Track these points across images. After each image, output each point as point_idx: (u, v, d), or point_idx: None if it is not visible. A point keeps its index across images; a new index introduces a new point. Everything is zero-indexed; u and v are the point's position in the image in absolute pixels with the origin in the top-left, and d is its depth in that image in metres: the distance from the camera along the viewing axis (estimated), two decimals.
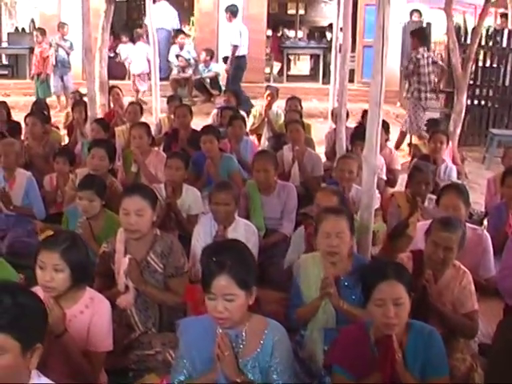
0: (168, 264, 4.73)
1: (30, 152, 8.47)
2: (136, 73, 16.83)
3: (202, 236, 5.69)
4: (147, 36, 13.26)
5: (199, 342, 3.59)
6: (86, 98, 9.83)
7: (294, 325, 4.62)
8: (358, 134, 8.11)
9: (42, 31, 16.12)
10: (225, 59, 16.17)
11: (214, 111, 11.29)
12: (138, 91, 16.67)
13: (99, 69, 11.78)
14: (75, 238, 3.90)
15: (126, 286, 4.67)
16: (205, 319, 3.58)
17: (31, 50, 16.92)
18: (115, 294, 4.70)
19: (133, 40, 17.69)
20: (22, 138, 9.84)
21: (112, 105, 11.52)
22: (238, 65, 15.44)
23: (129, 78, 17.85)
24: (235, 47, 15.28)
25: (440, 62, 12.96)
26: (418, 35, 12.45)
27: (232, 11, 15.47)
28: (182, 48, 16.75)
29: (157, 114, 11.56)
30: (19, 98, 16.57)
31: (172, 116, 10.01)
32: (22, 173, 7.07)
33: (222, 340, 3.45)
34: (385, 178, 8.36)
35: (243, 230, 5.64)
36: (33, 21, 21.03)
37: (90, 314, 3.87)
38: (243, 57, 15.51)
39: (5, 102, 10.68)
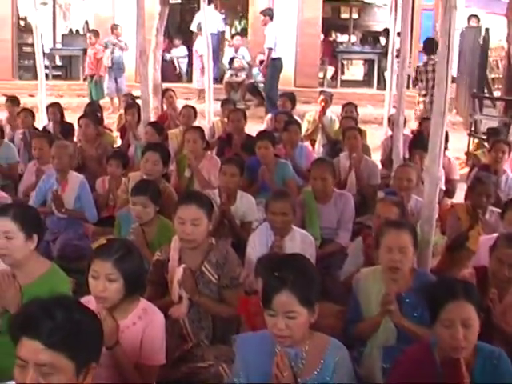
0: (223, 274, 4.59)
1: (83, 154, 8.42)
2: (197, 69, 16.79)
3: (258, 245, 5.53)
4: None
5: (256, 359, 3.43)
6: (138, 101, 9.80)
7: (352, 341, 4.43)
8: (417, 143, 7.91)
9: (96, 33, 16.17)
10: (261, 62, 16.03)
11: (269, 116, 11.14)
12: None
13: (153, 71, 11.76)
14: (129, 247, 3.77)
15: (180, 296, 4.53)
16: (263, 335, 3.42)
17: (84, 51, 16.99)
18: (168, 304, 4.57)
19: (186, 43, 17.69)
20: (75, 139, 9.83)
21: (165, 107, 11.44)
22: (273, 67, 15.32)
23: (181, 80, 17.89)
24: (270, 50, 15.17)
25: None
26: (425, 44, 12.83)
27: (268, 14, 15.47)
28: (236, 50, 16.67)
29: (210, 118, 11.45)
30: (72, 100, 16.64)
31: (226, 120, 9.90)
32: (75, 176, 7.00)
33: (281, 359, 3.28)
34: (443, 188, 8.12)
35: (300, 241, 5.46)
36: (87, 23, 21.16)
37: (142, 326, 3.72)
38: (278, 59, 15.39)
39: (58, 104, 10.69)
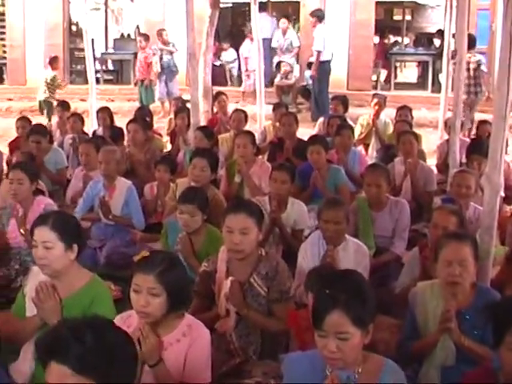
0: (272, 287, 4.38)
1: (132, 159, 8.29)
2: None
3: (310, 255, 5.31)
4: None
5: (305, 381, 3.20)
6: (189, 104, 9.67)
7: (408, 359, 4.18)
8: (476, 148, 7.60)
9: (146, 37, 16.10)
10: (309, 65, 15.77)
11: (321, 119, 10.90)
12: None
13: (203, 75, 11.60)
14: (173, 260, 3.58)
15: (227, 310, 4.34)
16: (313, 356, 3.20)
17: (136, 55, 16.98)
18: (214, 317, 4.39)
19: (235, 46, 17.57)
20: (125, 144, 9.74)
21: (216, 111, 11.28)
22: (322, 70, 15.02)
23: (232, 84, 17.77)
24: (319, 53, 14.86)
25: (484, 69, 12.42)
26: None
27: (318, 16, 15.14)
28: (284, 33, 16.62)
29: (261, 122, 11.27)
30: (123, 104, 16.63)
31: (277, 124, 9.70)
32: (123, 181, 6.86)
33: (332, 383, 3.06)
34: (502, 194, 7.79)
35: (353, 251, 5.22)
36: (138, 27, 21.17)
37: (187, 343, 3.52)
38: (327, 62, 15.08)
39: (108, 108, 10.63)
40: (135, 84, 16.28)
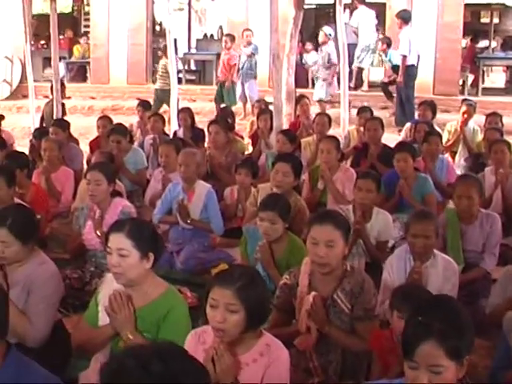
0: (357, 305, 4.12)
1: (212, 162, 8.13)
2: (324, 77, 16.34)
3: (396, 270, 5.01)
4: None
5: None
6: (271, 107, 9.49)
7: None
8: None
9: (232, 37, 15.93)
10: (393, 68, 15.30)
11: (407, 125, 10.54)
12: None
13: (286, 76, 11.36)
14: (253, 275, 3.34)
15: (308, 326, 4.09)
16: None
17: (218, 56, 16.87)
18: (293, 333, 4.15)
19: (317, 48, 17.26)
20: (206, 145, 9.62)
21: (298, 114, 11.04)
22: (408, 75, 14.40)
23: (312, 86, 17.47)
24: (404, 57, 14.34)
25: None
26: None
27: (403, 17, 14.42)
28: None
29: (345, 126, 10.98)
30: (205, 104, 16.53)
31: (362, 129, 9.41)
32: (202, 185, 6.69)
33: None
34: None
35: (442, 268, 4.90)
36: (221, 27, 21.12)
37: (264, 364, 3.28)
38: (412, 66, 14.52)
39: (189, 109, 10.53)
40: (216, 84, 16.14)
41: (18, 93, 18.94)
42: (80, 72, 20.68)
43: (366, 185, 6.02)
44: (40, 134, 9.34)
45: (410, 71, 14.44)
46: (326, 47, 15.05)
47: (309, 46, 17.38)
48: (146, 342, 3.61)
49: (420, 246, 4.85)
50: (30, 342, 4.09)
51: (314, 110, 12.57)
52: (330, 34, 14.89)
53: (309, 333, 4.10)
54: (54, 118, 11.07)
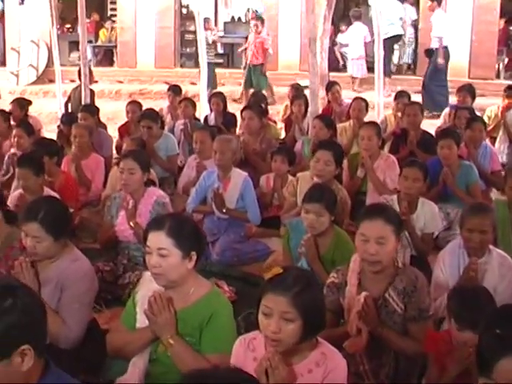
0: (410, 304, 3.83)
1: (246, 148, 7.85)
2: (353, 57, 16.02)
3: (448, 266, 4.69)
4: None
5: None
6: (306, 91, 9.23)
7: None
8: None
9: (262, 20, 15.65)
10: (426, 52, 14.88)
11: (446, 110, 10.18)
12: (354, 79, 15.84)
13: (320, 60, 11.06)
14: (309, 279, 3.05)
15: (358, 328, 3.81)
16: None
17: (246, 39, 16.58)
18: (343, 335, 3.85)
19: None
20: (237, 131, 9.36)
21: (329, 100, 10.73)
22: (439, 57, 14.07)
23: (344, 66, 17.17)
24: (441, 39, 13.92)
25: None
26: None
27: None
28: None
29: (379, 111, 10.64)
30: (234, 88, 16.27)
31: (399, 114, 9.08)
32: (238, 173, 6.42)
33: None
34: None
35: (498, 264, 4.58)
36: (249, 10, 20.78)
37: (320, 375, 3.00)
38: (446, 48, 14.12)
39: (221, 93, 10.33)
40: (244, 68, 15.83)
41: (45, 77, 18.79)
42: (106, 56, 20.52)
43: (413, 174, 5.72)
44: (68, 119, 9.14)
45: (445, 53, 14.05)
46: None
47: (343, 26, 16.97)
48: (188, 346, 3.36)
49: (476, 242, 4.53)
50: (63, 344, 3.86)
51: None
52: None
53: (359, 335, 3.81)
54: (82, 103, 10.82)
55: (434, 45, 14.00)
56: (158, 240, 3.36)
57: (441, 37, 13.82)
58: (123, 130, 9.47)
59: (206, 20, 15.96)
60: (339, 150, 6.22)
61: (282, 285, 2.93)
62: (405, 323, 3.88)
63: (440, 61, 13.78)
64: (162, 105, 11.42)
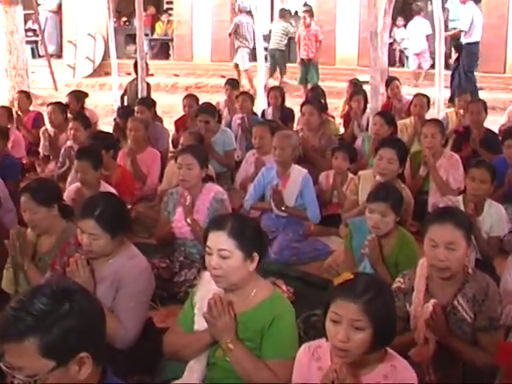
0: (480, 313, 3.62)
1: (305, 144, 7.67)
2: (414, 52, 15.76)
3: None
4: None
5: None
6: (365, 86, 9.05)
7: None
8: None
9: (311, 13, 15.47)
10: (456, 47, 14.49)
11: (510, 107, 9.90)
12: (415, 74, 15.59)
13: (380, 54, 10.82)
14: (381, 286, 2.87)
15: (425, 337, 3.63)
16: None
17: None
18: (408, 343, 3.67)
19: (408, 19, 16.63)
20: (295, 126, 9.22)
21: (388, 96, 10.52)
22: (469, 52, 13.61)
23: (400, 63, 16.90)
24: (464, 33, 13.51)
25: None
26: None
27: None
28: None
29: (439, 108, 10.40)
30: (290, 82, 16.10)
31: (461, 111, 8.83)
32: (298, 169, 6.27)
33: None
34: None
35: None
36: (306, 4, 20.59)
37: None
38: (475, 43, 13.68)
39: (280, 87, 10.26)
40: (299, 63, 15.61)
41: (101, 70, 18.91)
42: (162, 49, 20.54)
43: (480, 175, 5.49)
44: (124, 112, 9.11)
45: (474, 49, 13.62)
46: None
47: (400, 21, 16.68)
48: (248, 352, 3.22)
49: None
50: (119, 344, 3.75)
51: None
52: None
53: (426, 344, 3.63)
54: (139, 96, 10.77)
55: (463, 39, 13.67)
56: (219, 241, 3.22)
57: (464, 30, 13.45)
58: (179, 124, 9.41)
59: (282, 12, 16.12)
60: (403, 148, 6.01)
61: (353, 291, 2.76)
62: (474, 333, 3.68)
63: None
64: (217, 98, 11.34)
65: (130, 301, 3.83)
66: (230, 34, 16.62)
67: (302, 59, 15.27)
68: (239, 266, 3.22)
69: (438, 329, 3.57)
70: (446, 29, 12.99)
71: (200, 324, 3.40)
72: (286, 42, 16.55)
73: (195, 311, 3.45)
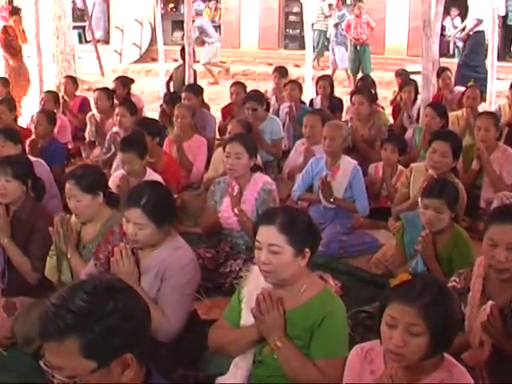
0: None
1: (354, 135, 7.47)
2: None
3: None
4: None
5: None
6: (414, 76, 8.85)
7: None
8: None
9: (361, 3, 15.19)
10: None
11: None
12: None
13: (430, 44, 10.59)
14: (441, 289, 2.71)
15: (481, 340, 3.47)
16: None
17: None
18: (462, 344, 3.51)
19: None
20: (343, 116, 9.06)
21: (439, 87, 10.26)
22: (476, 41, 13.27)
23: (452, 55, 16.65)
24: (479, 21, 13.12)
25: None
26: None
27: None
28: None
29: (491, 100, 10.14)
30: (339, 72, 15.87)
31: None
32: (347, 161, 6.12)
33: None
34: None
35: None
36: None
37: None
38: (482, 32, 13.26)
39: (329, 76, 10.13)
40: (351, 50, 15.35)
41: (147, 56, 18.91)
42: None
43: None
44: (171, 99, 9.02)
45: (480, 37, 13.27)
46: None
47: (454, 11, 16.31)
48: (296, 350, 3.11)
49: None
50: (163, 337, 3.66)
51: None
52: None
53: (482, 347, 3.48)
54: (186, 83, 10.68)
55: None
56: (270, 235, 3.10)
57: (480, 19, 13.09)
58: (226, 112, 9.29)
59: None
60: (457, 142, 5.80)
61: (411, 294, 2.61)
62: None
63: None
64: (264, 86, 11.20)
65: (175, 293, 3.72)
66: None
67: (354, 46, 14.94)
68: (290, 261, 3.10)
69: (495, 332, 3.41)
70: None
71: (247, 319, 3.30)
72: (326, 22, 16.54)
73: (242, 306, 3.35)
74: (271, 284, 3.19)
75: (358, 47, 14.74)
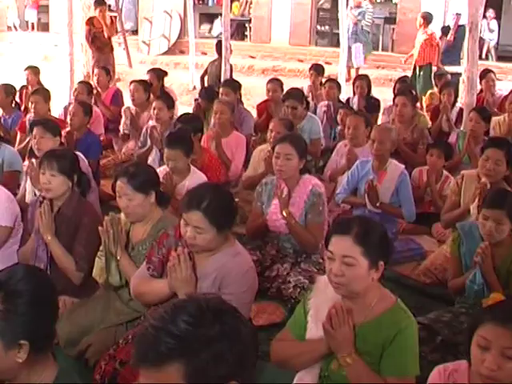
0: None
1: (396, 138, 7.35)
2: None
3: None
4: None
5: None
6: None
7: None
8: None
9: (425, 17, 14.80)
10: (444, 29, 13.83)
11: None
12: None
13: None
14: None
15: None
16: None
17: (385, 20, 16.07)
18: None
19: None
20: (380, 117, 8.93)
21: (481, 89, 10.07)
22: (460, 36, 12.95)
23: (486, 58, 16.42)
24: (458, 16, 13.01)
25: None
26: None
27: None
28: None
29: None
30: (372, 71, 15.69)
31: None
32: (395, 165, 5.98)
33: None
34: None
35: None
36: None
37: None
38: (463, 26, 13.08)
39: (367, 76, 9.87)
40: (413, 71, 14.41)
41: (176, 48, 18.78)
42: (238, 30, 20.29)
43: None
44: (207, 93, 8.85)
45: (463, 31, 13.06)
46: None
47: (491, 13, 16.02)
48: (367, 367, 2.97)
49: None
50: None
51: None
52: None
53: None
54: (222, 77, 10.54)
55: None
56: (344, 246, 2.96)
57: (458, 14, 12.93)
58: (262, 109, 9.11)
59: None
60: (509, 148, 5.64)
61: (506, 316, 2.48)
62: None
63: (450, 37, 12.93)
64: (294, 83, 11.04)
65: (233, 301, 3.56)
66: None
67: (416, 65, 14.33)
68: (363, 274, 2.97)
69: None
70: None
71: (313, 332, 3.16)
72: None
73: (308, 318, 3.20)
74: (342, 296, 3.06)
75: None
